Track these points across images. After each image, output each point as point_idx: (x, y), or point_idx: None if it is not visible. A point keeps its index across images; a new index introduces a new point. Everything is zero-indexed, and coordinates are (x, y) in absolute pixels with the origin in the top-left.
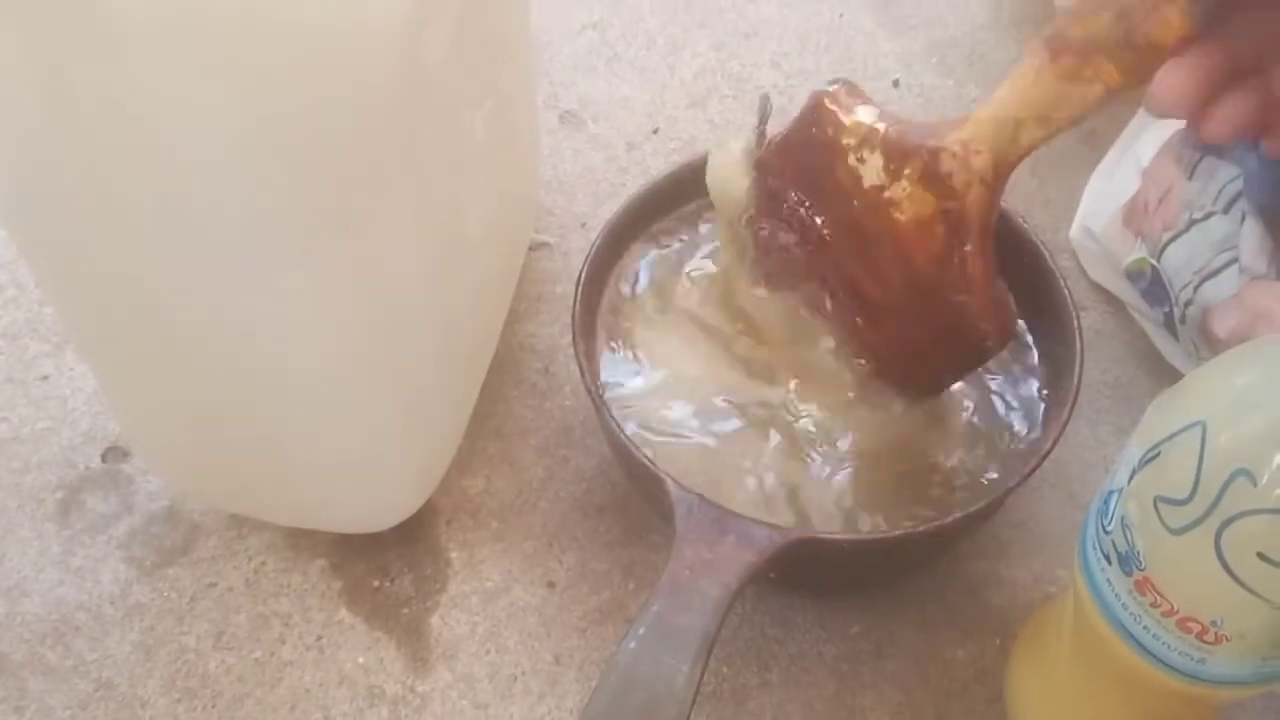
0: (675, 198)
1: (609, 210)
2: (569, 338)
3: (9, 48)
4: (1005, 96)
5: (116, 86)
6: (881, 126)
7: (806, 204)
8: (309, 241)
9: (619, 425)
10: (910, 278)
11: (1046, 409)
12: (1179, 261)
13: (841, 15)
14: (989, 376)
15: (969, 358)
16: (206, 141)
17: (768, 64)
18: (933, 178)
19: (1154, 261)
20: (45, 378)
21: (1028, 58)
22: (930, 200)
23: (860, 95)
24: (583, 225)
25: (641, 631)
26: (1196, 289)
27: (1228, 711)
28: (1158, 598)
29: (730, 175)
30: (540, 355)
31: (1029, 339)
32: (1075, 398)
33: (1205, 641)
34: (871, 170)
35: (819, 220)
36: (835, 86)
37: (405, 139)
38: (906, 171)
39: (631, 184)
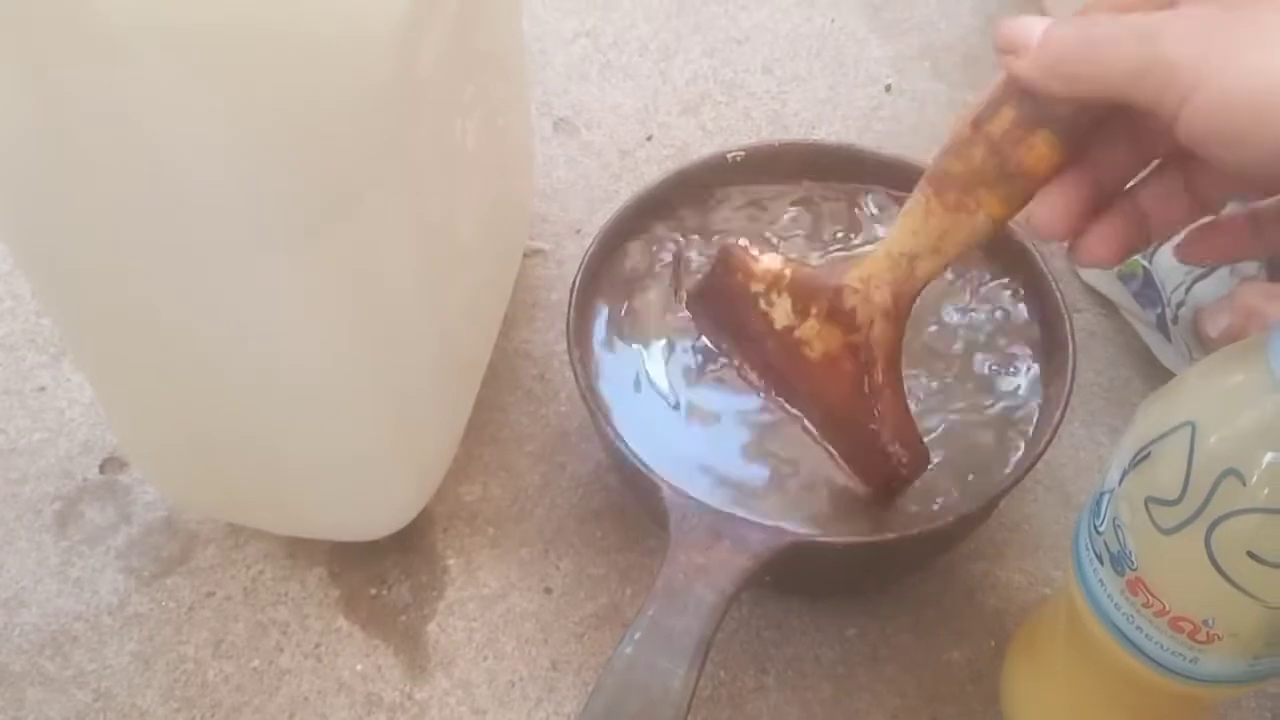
0: (668, 204)
1: (603, 217)
2: (564, 344)
3: (1, 53)
4: (899, 234)
5: (109, 94)
6: (788, 271)
7: (730, 348)
8: (302, 249)
9: (615, 431)
10: (827, 409)
11: (1040, 411)
12: (1171, 263)
13: (833, 20)
14: (986, 379)
15: (891, 480)
16: (199, 149)
17: (760, 70)
18: (837, 314)
19: (1146, 263)
20: (42, 389)
21: (917, 194)
22: (837, 335)
23: (765, 247)
24: (577, 232)
25: (637, 636)
26: (1188, 290)
27: (1223, 711)
28: (1150, 598)
29: None
30: (536, 362)
31: (1024, 341)
32: (1068, 400)
33: (1197, 641)
34: (781, 312)
35: (742, 362)
36: (743, 240)
37: (398, 146)
38: (813, 310)
39: (625, 191)
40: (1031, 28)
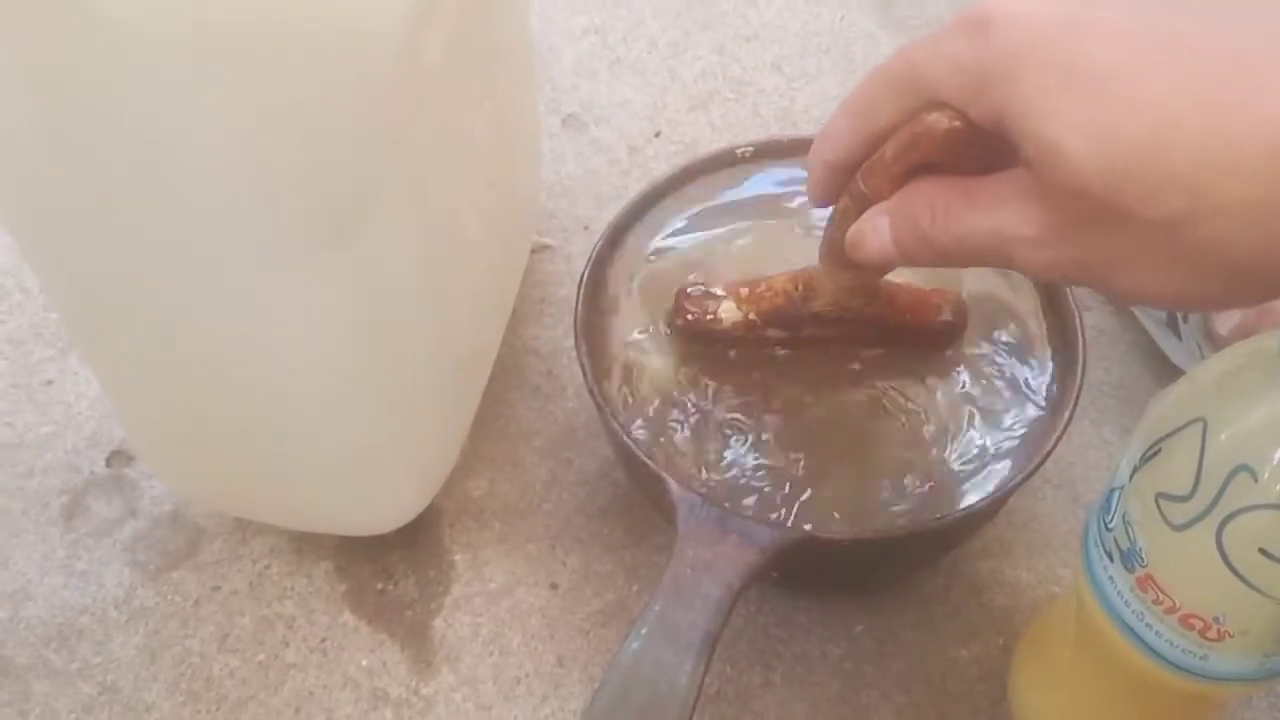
0: (677, 200)
1: (611, 213)
2: (571, 340)
3: (7, 55)
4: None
5: (113, 94)
6: (753, 316)
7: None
8: (308, 244)
9: (621, 427)
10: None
11: (1049, 409)
12: None
13: (842, 18)
14: (993, 376)
15: (947, 329)
16: (205, 147)
17: (769, 67)
18: (821, 318)
19: None
20: (50, 382)
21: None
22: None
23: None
24: (585, 228)
25: (644, 631)
26: None
27: (1234, 710)
28: (1160, 594)
29: None
30: (543, 358)
31: (1033, 338)
32: (1078, 397)
33: (1208, 638)
34: (773, 333)
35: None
36: (690, 289)
37: (403, 141)
38: (802, 329)
39: (633, 187)
40: (879, 237)
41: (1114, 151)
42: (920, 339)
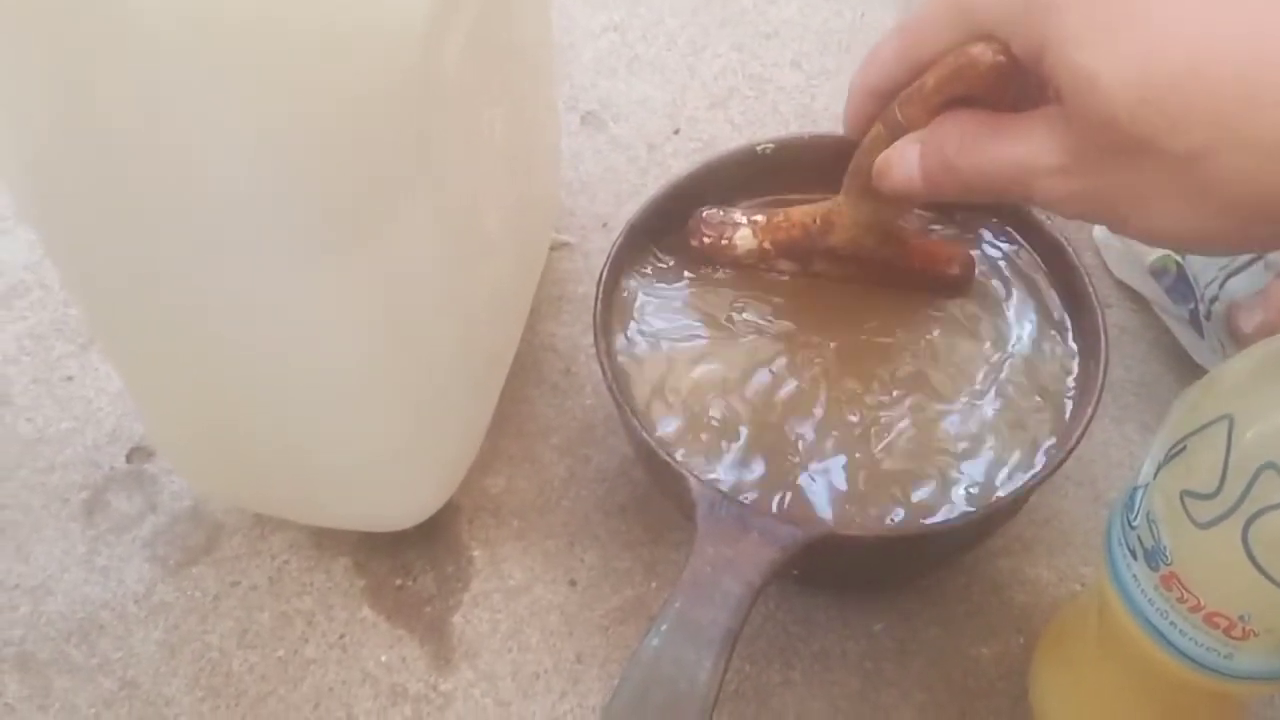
0: (696, 198)
1: (630, 210)
2: (590, 337)
3: (33, 50)
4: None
5: (138, 89)
6: (767, 244)
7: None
8: (329, 241)
9: (640, 423)
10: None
11: (1071, 406)
12: (1204, 258)
13: (863, 15)
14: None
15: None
16: (227, 143)
17: (789, 64)
18: (834, 253)
19: (1178, 258)
20: (70, 378)
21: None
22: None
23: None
24: (604, 225)
25: (664, 628)
26: (1222, 285)
27: (1257, 709)
28: (1184, 593)
29: None
30: (562, 355)
31: (1056, 336)
32: (1099, 395)
33: (1232, 637)
34: (786, 266)
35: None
36: (705, 213)
37: (425, 140)
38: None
39: (652, 184)
40: (906, 165)
41: (1145, 81)
42: (926, 287)
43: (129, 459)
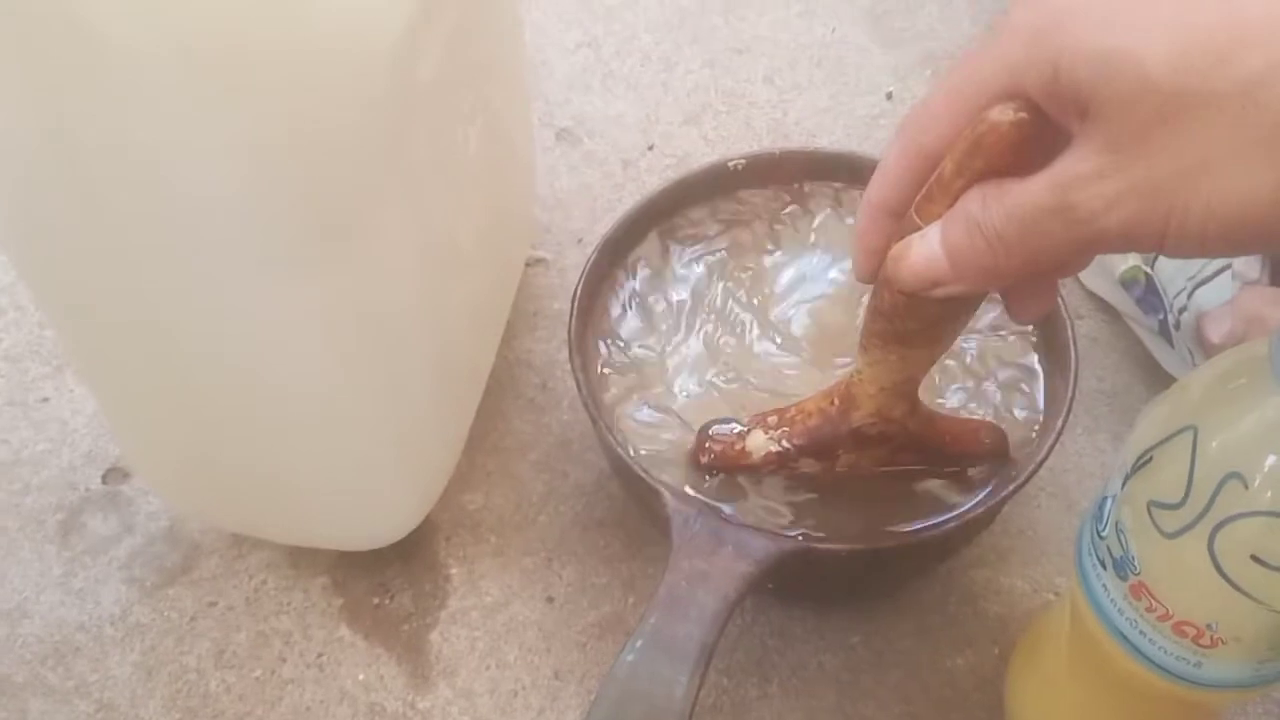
0: (670, 213)
1: (605, 226)
2: (566, 353)
3: (4, 76)
4: (871, 373)
5: (110, 112)
6: (787, 445)
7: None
8: (303, 259)
9: (616, 439)
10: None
11: (1043, 418)
12: (1172, 269)
13: (834, 30)
14: (988, 385)
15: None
16: (200, 166)
17: (761, 80)
18: (868, 441)
19: (1148, 269)
20: (45, 400)
21: (867, 349)
22: (880, 452)
23: (735, 433)
24: (579, 241)
25: (639, 644)
26: (1190, 295)
27: (1229, 716)
28: (1153, 602)
29: None
30: (537, 371)
31: (1026, 348)
32: (1070, 406)
33: (1201, 645)
34: (807, 464)
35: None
36: (714, 430)
37: (398, 157)
38: (839, 452)
39: (627, 200)
40: (926, 244)
41: (1181, 35)
42: (957, 463)
43: (105, 480)
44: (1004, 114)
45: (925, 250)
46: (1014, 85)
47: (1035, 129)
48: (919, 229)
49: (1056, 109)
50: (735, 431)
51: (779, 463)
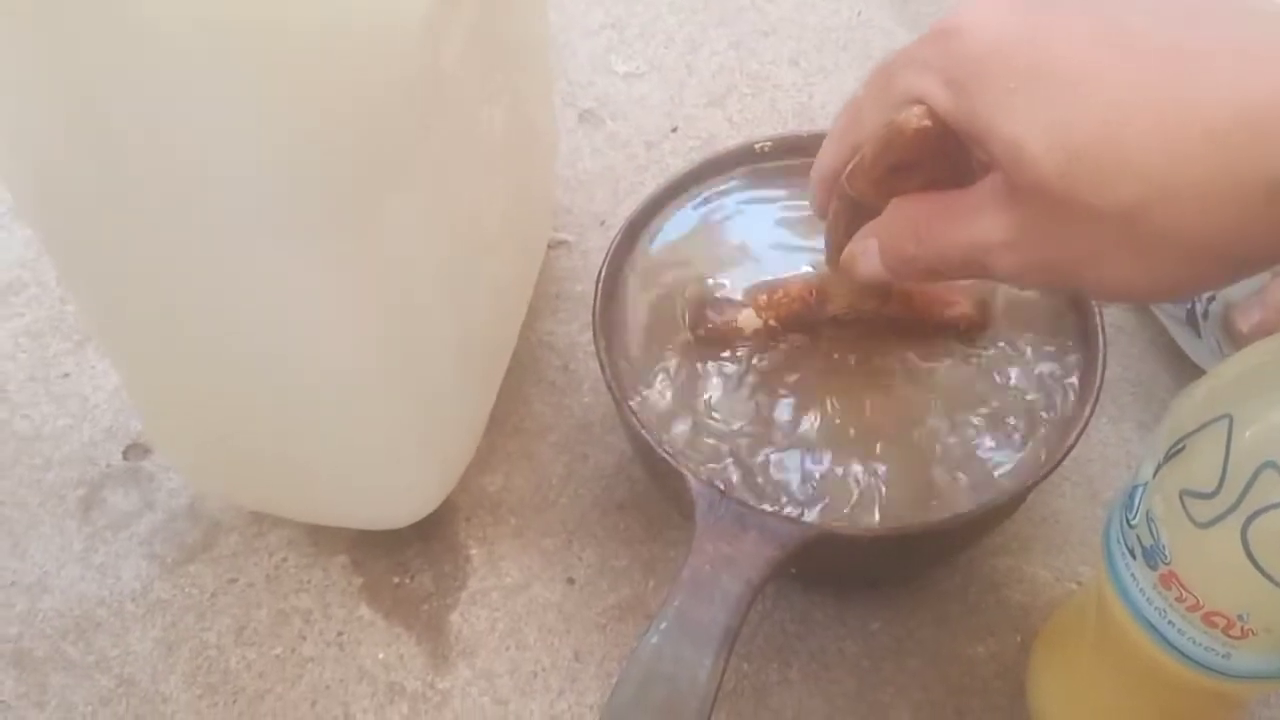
0: (694, 195)
1: (628, 208)
2: (588, 335)
3: (34, 48)
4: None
5: (138, 85)
6: (772, 320)
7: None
8: (327, 239)
9: (639, 421)
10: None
11: (1068, 406)
12: None
13: (860, 13)
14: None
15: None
16: (228, 143)
17: (786, 62)
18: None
19: None
20: (66, 375)
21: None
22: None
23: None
24: (602, 223)
25: (663, 626)
26: None
27: (1255, 709)
28: (1183, 592)
29: None
30: (559, 353)
31: (1053, 336)
32: (1097, 395)
33: (1231, 636)
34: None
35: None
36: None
37: (424, 135)
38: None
39: (650, 182)
40: (868, 252)
41: (1069, 144)
42: (939, 333)
43: (126, 456)
44: (909, 120)
45: (870, 266)
46: (931, 105)
47: (938, 133)
48: (848, 195)
49: (967, 140)
50: (729, 303)
51: (768, 336)
